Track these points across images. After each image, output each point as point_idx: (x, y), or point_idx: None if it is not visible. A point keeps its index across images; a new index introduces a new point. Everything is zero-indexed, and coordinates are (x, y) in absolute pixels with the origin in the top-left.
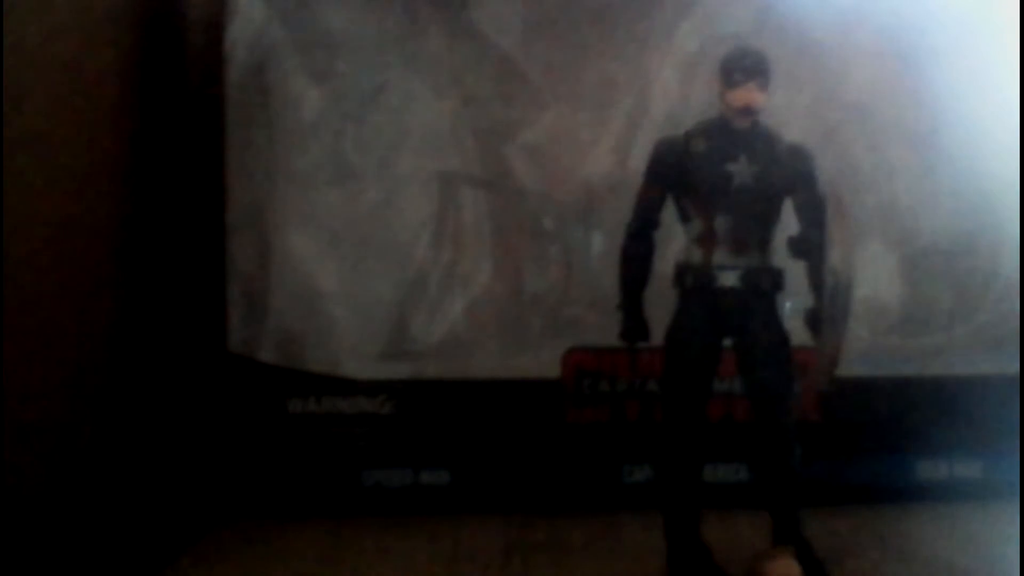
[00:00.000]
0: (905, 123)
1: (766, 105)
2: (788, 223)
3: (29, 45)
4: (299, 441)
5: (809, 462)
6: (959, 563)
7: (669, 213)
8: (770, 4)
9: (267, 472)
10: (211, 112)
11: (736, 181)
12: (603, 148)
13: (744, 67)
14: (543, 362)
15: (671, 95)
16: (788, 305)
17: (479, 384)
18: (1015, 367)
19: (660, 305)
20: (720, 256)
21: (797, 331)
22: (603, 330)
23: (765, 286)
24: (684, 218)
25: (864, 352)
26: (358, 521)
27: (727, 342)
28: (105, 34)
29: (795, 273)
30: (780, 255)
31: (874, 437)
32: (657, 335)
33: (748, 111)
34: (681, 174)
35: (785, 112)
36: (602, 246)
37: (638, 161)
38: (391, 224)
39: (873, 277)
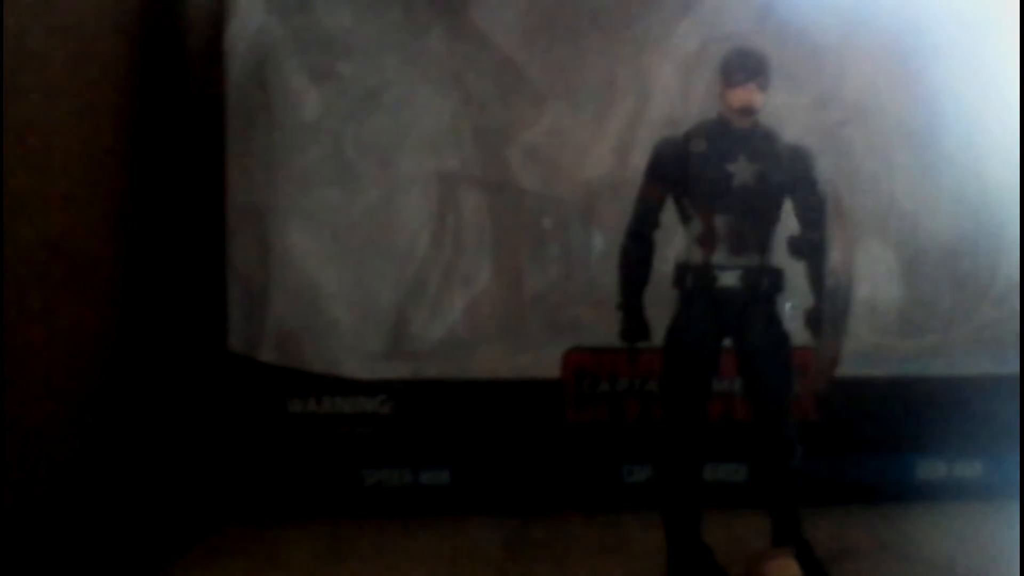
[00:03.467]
0: (905, 123)
1: (766, 105)
2: (788, 223)
3: (29, 45)
4: (299, 441)
5: (809, 462)
6: (959, 563)
7: (669, 213)
8: (770, 4)
9: (267, 472)
10: (211, 112)
11: (736, 181)
12: (603, 148)
13: (744, 67)
14: (543, 362)
15: (671, 95)
16: (788, 305)
17: (479, 384)
18: (1015, 367)
19: (660, 305)
20: (720, 256)
21: (797, 331)
22: (603, 330)
23: (765, 286)
24: (684, 218)
25: (864, 352)
26: (358, 521)
27: (727, 342)
28: (105, 33)
29: (795, 273)
30: (780, 255)
31: (874, 437)
32: (657, 335)
33: (748, 111)
34: (681, 174)
35: (785, 112)
36: (602, 246)
37: (638, 161)
38: (391, 224)
39: (873, 277)
